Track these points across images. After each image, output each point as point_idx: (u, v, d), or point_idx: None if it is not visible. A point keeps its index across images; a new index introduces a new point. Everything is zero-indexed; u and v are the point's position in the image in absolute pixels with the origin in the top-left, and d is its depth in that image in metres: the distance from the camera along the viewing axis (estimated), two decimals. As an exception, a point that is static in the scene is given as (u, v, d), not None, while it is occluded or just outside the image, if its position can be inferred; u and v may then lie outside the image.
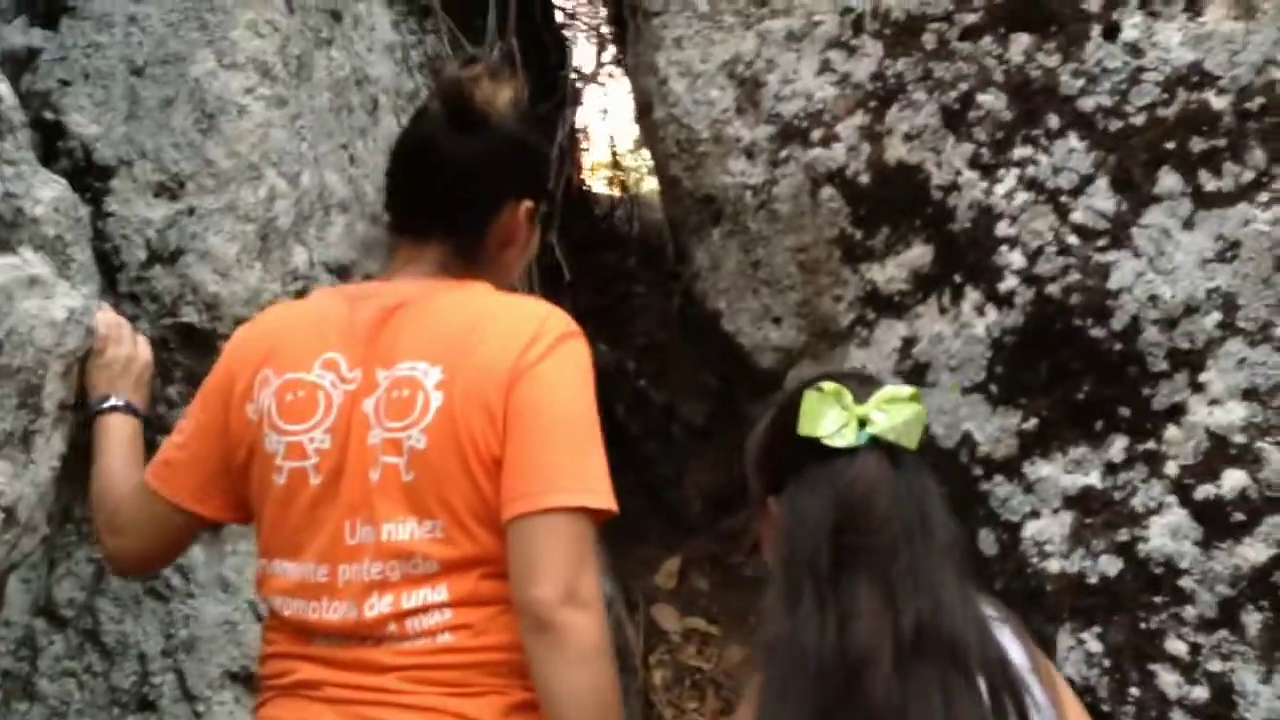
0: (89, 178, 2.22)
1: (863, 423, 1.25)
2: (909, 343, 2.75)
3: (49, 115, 2.26)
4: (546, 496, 1.27)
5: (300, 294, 2.38)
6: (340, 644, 1.35)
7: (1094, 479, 2.42)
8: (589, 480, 1.29)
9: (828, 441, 1.24)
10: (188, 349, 2.25)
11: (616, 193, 5.74)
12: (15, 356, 1.53)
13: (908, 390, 1.29)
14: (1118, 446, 2.42)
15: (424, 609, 1.32)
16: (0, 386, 1.51)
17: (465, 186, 1.44)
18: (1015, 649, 1.28)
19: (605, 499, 1.30)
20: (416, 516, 1.32)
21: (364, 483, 1.33)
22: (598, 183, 6.05)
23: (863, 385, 1.30)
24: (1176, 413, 2.34)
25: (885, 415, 1.25)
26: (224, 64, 2.33)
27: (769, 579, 1.26)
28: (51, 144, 2.25)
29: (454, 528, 1.31)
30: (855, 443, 1.24)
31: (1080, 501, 2.43)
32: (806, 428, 1.25)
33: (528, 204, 1.47)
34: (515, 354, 1.32)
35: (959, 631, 1.23)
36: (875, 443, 1.25)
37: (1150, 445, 2.38)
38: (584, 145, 5.64)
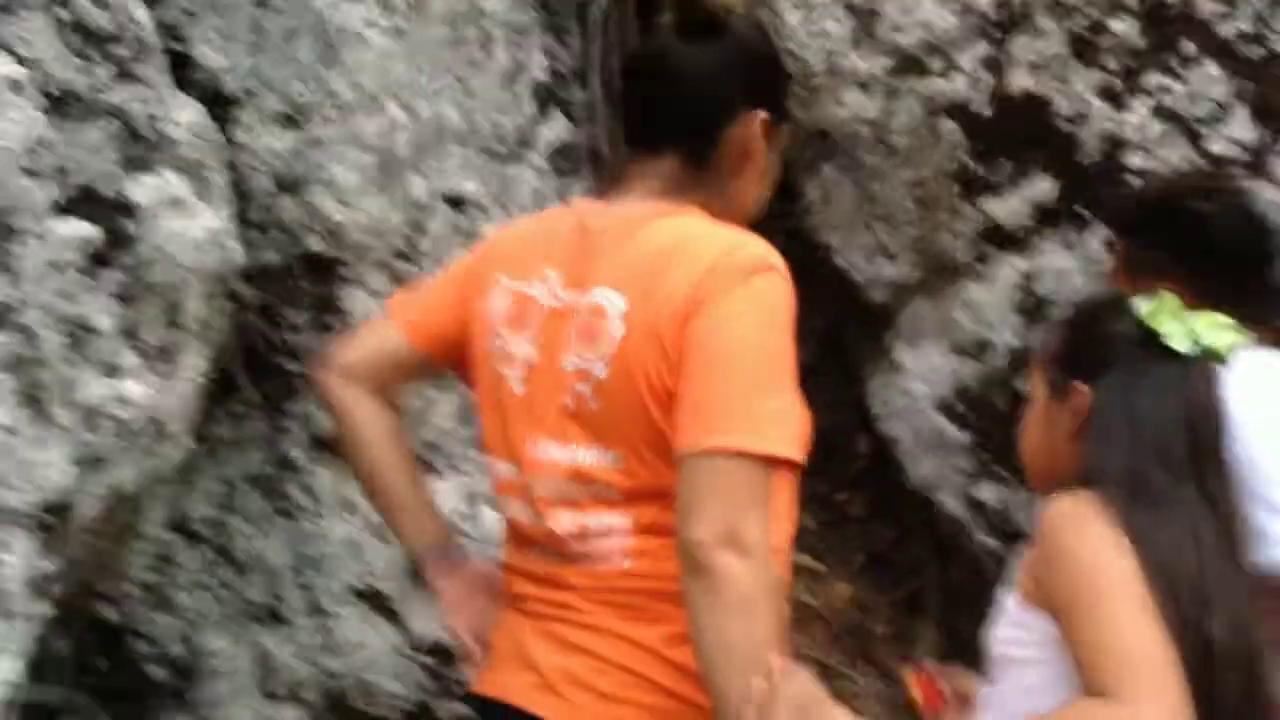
0: (216, 107, 2.27)
1: (1194, 338, 1.33)
2: (1030, 278, 2.69)
3: (176, 46, 2.30)
4: (710, 436, 1.22)
5: (419, 224, 2.41)
6: (540, 557, 1.39)
7: (1225, 418, 2.35)
8: (760, 423, 1.22)
9: (1174, 344, 1.31)
10: (311, 276, 2.30)
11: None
12: (159, 274, 1.58)
13: (1228, 320, 1.36)
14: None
15: (608, 532, 1.33)
16: (146, 303, 1.56)
17: (698, 94, 1.37)
18: None
19: (779, 445, 1.23)
20: (601, 445, 1.32)
21: (558, 405, 1.35)
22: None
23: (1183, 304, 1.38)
24: (1316, 350, 2.26)
25: (1217, 336, 1.33)
26: (343, -4, 2.35)
27: (1092, 459, 1.32)
28: (179, 74, 2.29)
29: (633, 459, 1.30)
30: (1194, 352, 1.32)
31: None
32: (1163, 325, 1.32)
33: (763, 116, 1.39)
34: (693, 285, 1.26)
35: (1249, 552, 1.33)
36: (1204, 356, 1.33)
37: (1287, 384, 2.30)
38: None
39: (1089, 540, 1.24)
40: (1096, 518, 1.25)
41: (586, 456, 1.33)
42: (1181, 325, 1.32)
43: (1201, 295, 1.85)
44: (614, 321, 1.31)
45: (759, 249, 1.31)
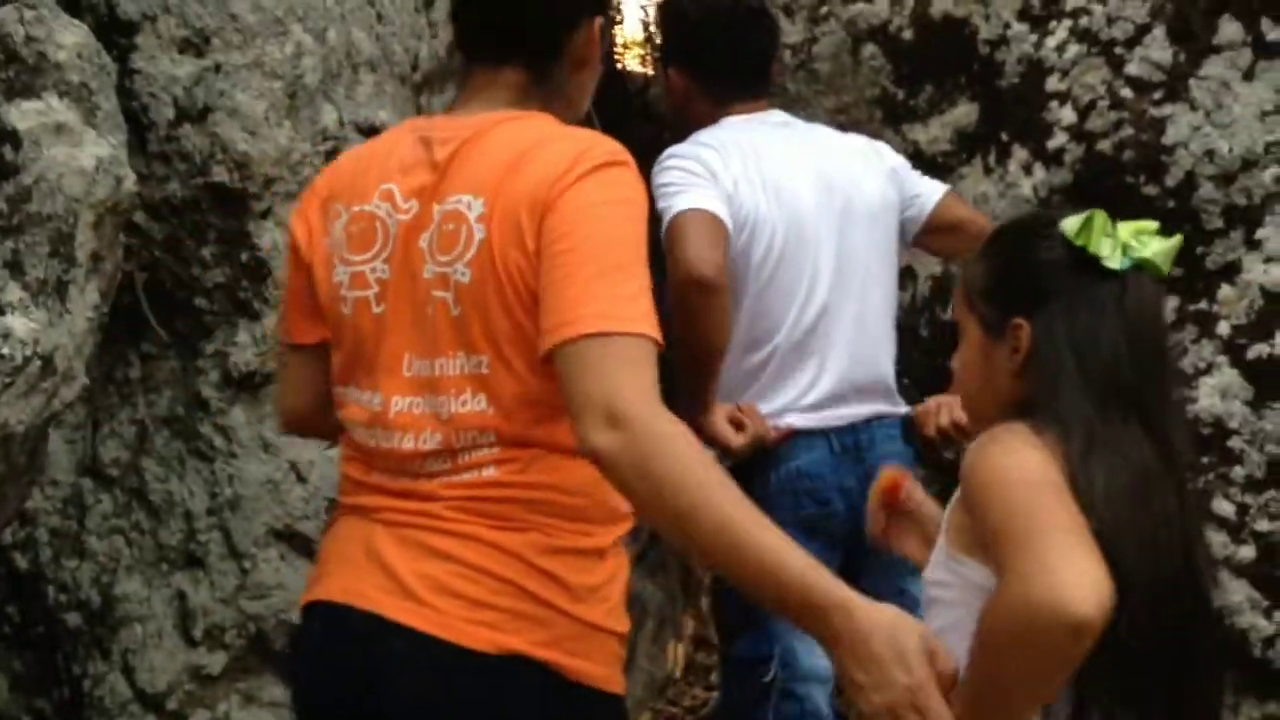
0: (113, 34, 2.17)
1: (1125, 250, 1.28)
2: (952, 205, 2.69)
3: (70, -29, 2.20)
4: (566, 328, 1.21)
5: (331, 154, 2.34)
6: (395, 475, 1.36)
7: (1142, 340, 2.37)
8: (614, 306, 1.21)
9: (1109, 262, 1.27)
10: (220, 209, 2.22)
11: (650, 70, 5.62)
12: (45, 204, 1.51)
13: (1153, 224, 1.32)
14: (1168, 307, 2.37)
15: (473, 445, 1.32)
16: (31, 234, 1.49)
17: (541, 12, 1.40)
18: None
19: (633, 324, 1.21)
20: (464, 351, 1.31)
21: (420, 317, 1.33)
22: (630, 60, 5.92)
23: (1109, 218, 1.33)
24: (1230, 271, 2.29)
25: (1149, 246, 1.29)
26: (245, -85, 2.26)
27: (1050, 392, 1.27)
28: (73, 1, 2.19)
29: (498, 363, 1.29)
30: (1126, 266, 1.28)
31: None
32: (1095, 246, 1.27)
33: (599, 20, 1.44)
34: (550, 181, 1.27)
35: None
36: (1138, 269, 1.29)
37: (1202, 305, 2.33)
38: (617, 20, 5.52)
39: (1020, 461, 1.20)
40: (1029, 443, 1.22)
41: (450, 365, 1.32)
42: (1112, 240, 1.28)
43: (710, 86, 2.20)
44: (473, 224, 1.30)
45: (612, 146, 1.32)
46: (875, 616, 1.11)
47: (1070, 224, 1.29)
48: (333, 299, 1.40)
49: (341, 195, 1.41)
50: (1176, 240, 1.30)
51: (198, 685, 2.23)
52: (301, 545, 2.29)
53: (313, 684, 1.38)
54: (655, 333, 1.23)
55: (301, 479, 2.29)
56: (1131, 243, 1.28)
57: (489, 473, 1.32)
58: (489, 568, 1.29)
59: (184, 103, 2.19)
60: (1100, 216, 1.28)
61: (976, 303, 1.35)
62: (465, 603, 1.28)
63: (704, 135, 2.14)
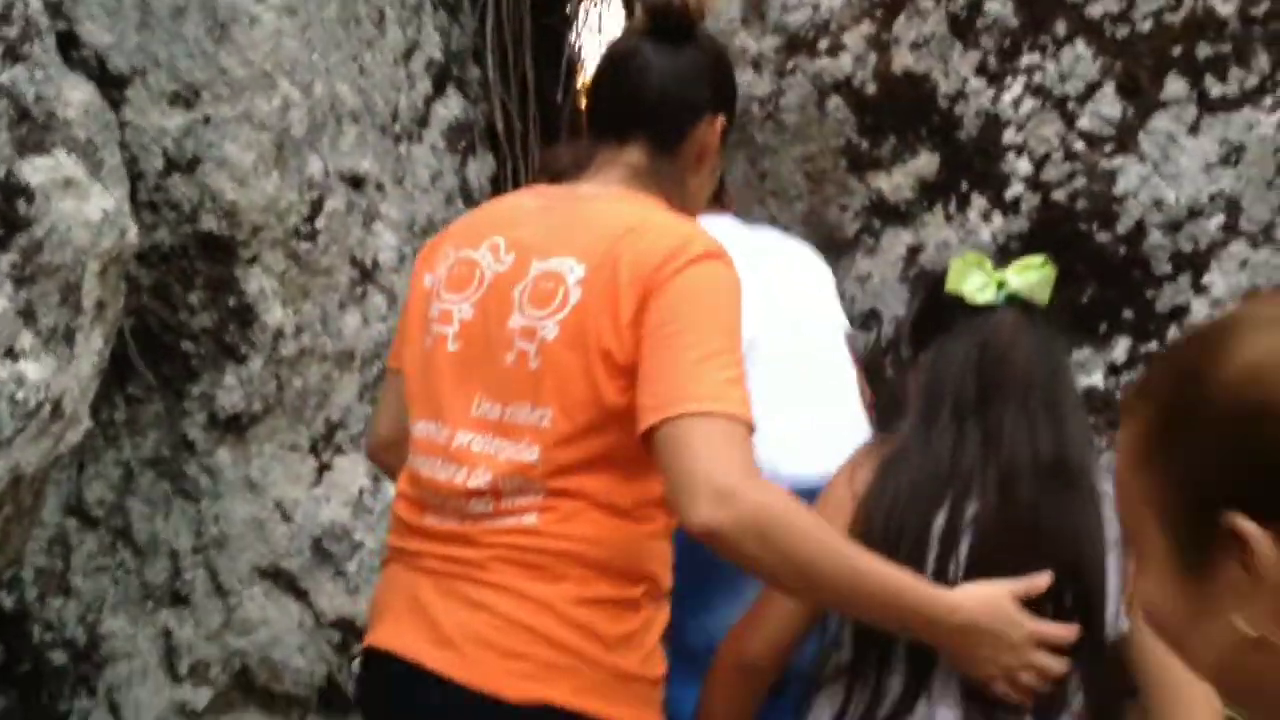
0: (105, 87, 2.23)
1: (1000, 285, 1.45)
2: (915, 251, 2.79)
3: (61, 25, 2.26)
4: (671, 406, 1.28)
5: (316, 203, 2.41)
6: (443, 516, 1.42)
7: (1097, 380, 2.48)
8: (716, 388, 1.29)
9: (970, 298, 1.44)
10: (207, 257, 2.28)
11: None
12: (55, 255, 1.57)
13: (1040, 258, 1.49)
14: (1121, 348, 2.48)
15: (518, 491, 1.38)
16: (42, 285, 1.55)
17: (674, 94, 1.48)
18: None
19: (732, 405, 1.29)
20: (532, 403, 1.37)
21: (499, 363, 1.41)
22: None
23: (1001, 258, 1.52)
24: (1179, 314, 2.40)
25: (1020, 277, 1.45)
26: (233, -28, 2.33)
27: (905, 403, 1.48)
28: (65, 54, 2.25)
29: (562, 418, 1.35)
30: (995, 300, 1.44)
31: (1084, 402, 2.49)
32: (953, 285, 1.44)
33: (723, 120, 1.53)
34: (656, 264, 1.35)
35: (1087, 465, 1.42)
36: (1012, 301, 1.44)
37: (1153, 346, 2.44)
38: (583, 66, 5.62)
39: (827, 504, 1.42)
40: (845, 479, 1.43)
41: (518, 414, 1.39)
42: (984, 275, 1.44)
43: None
44: (571, 286, 1.38)
45: (710, 241, 1.42)
46: (975, 604, 1.35)
47: (949, 269, 1.48)
48: (420, 330, 1.49)
49: (455, 240, 1.52)
50: (1046, 273, 1.46)
51: (183, 721, 2.27)
52: (286, 582, 2.33)
53: None
54: (750, 416, 1.31)
55: (286, 518, 2.33)
56: (1009, 278, 1.45)
57: (529, 520, 1.37)
58: (523, 619, 1.35)
59: (173, 153, 2.26)
60: (971, 256, 1.47)
61: (902, 341, 1.57)
62: (500, 653, 1.34)
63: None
